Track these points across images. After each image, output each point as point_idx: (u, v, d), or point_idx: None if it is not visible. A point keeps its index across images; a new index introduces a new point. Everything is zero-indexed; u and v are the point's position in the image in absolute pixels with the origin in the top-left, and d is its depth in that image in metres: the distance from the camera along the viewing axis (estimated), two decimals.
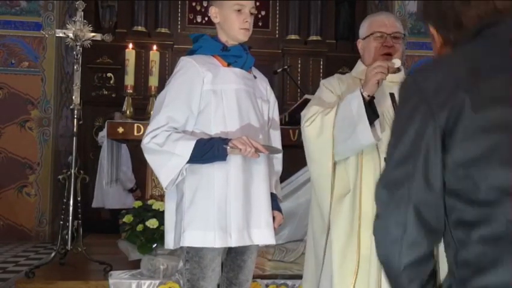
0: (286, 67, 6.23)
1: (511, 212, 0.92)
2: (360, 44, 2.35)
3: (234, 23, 2.10)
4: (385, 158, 1.10)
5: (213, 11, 2.15)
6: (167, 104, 2.04)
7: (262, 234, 2.06)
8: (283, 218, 2.24)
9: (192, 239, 1.99)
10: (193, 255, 2.03)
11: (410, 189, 1.00)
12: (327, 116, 2.12)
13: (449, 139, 0.97)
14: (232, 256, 2.16)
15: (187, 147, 1.97)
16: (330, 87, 2.30)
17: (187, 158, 1.97)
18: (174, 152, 1.98)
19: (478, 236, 0.96)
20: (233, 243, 2.00)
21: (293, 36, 7.84)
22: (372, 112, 2.06)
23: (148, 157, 2.06)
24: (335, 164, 2.13)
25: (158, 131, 2.00)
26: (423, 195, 1.00)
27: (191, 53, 2.17)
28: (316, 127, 2.13)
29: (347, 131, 2.07)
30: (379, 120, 2.09)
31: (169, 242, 2.09)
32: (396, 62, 2.12)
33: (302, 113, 2.23)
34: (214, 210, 1.99)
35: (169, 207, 2.12)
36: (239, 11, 2.10)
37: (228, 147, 1.96)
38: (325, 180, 2.15)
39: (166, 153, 1.99)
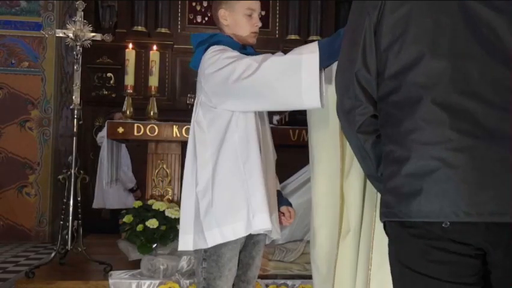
0: None
1: (414, 78, 1.29)
2: None
3: (245, 27, 2.11)
4: None
5: (222, 14, 2.13)
6: (236, 55, 1.96)
7: (273, 228, 2.07)
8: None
9: (223, 234, 1.96)
10: (211, 253, 2.01)
11: (353, 70, 1.41)
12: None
13: (378, 33, 1.37)
14: (242, 254, 2.14)
15: (310, 46, 1.81)
16: None
17: (317, 51, 1.77)
18: (302, 53, 1.79)
19: (389, 101, 1.36)
20: (254, 228, 1.97)
21: (293, 36, 7.85)
22: None
23: (270, 80, 1.81)
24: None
25: (258, 57, 1.88)
26: (363, 74, 1.40)
27: (215, 43, 2.10)
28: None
29: None
30: None
31: (188, 243, 2.03)
32: None
33: None
34: (241, 199, 1.96)
35: (187, 207, 2.05)
36: (250, 15, 2.11)
37: None
38: (333, 140, 1.95)
39: (292, 60, 1.80)
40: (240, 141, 1.98)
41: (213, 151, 2.00)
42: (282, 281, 3.34)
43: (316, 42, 1.82)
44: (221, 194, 1.98)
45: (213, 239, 1.97)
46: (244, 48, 2.12)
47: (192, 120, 2.09)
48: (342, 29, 1.78)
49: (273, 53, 1.91)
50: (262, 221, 1.94)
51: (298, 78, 1.78)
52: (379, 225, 1.87)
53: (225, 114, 1.99)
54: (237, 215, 1.96)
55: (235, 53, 1.98)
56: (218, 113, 2.00)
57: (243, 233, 1.97)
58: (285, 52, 1.89)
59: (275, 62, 1.83)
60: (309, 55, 1.78)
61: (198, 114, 2.07)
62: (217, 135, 2.00)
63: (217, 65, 1.95)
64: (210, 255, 2.02)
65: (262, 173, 1.96)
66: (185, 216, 2.05)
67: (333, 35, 1.84)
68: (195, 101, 2.13)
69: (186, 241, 2.04)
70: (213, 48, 2.03)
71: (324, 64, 1.80)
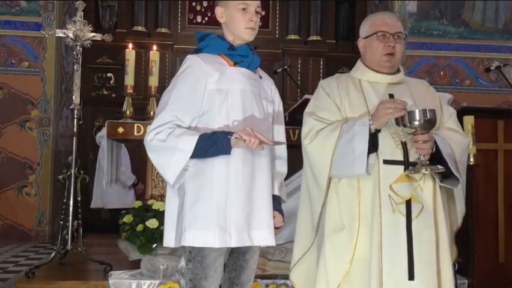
0: (286, 67, 6.24)
1: None
2: (361, 42, 2.33)
3: (239, 22, 2.10)
4: None
5: (219, 11, 2.15)
6: (172, 102, 2.03)
7: (263, 236, 2.06)
8: (284, 220, 2.22)
9: (192, 238, 1.99)
10: (196, 254, 2.03)
11: None
12: (329, 139, 2.16)
13: None
14: (235, 256, 2.15)
15: (190, 142, 1.96)
16: (328, 89, 2.29)
17: (190, 152, 1.96)
18: (177, 147, 1.97)
19: None
20: (233, 243, 2.00)
21: (293, 36, 7.84)
22: (372, 144, 2.09)
23: (151, 155, 2.04)
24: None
25: (162, 128, 2.00)
26: None
27: (197, 51, 2.16)
28: (316, 146, 2.20)
29: (345, 162, 2.13)
30: (376, 154, 2.12)
31: (170, 241, 2.08)
32: (409, 102, 2.14)
33: (303, 126, 2.28)
34: (214, 210, 1.99)
35: (170, 206, 2.10)
36: (244, 10, 2.09)
37: (233, 138, 1.95)
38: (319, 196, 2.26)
39: (168, 148, 1.98)
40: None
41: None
42: (282, 281, 3.34)
43: (197, 137, 1.97)
44: (194, 198, 2.03)
45: (188, 240, 2.00)
46: (233, 49, 2.12)
47: None
48: (221, 134, 1.96)
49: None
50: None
51: (164, 163, 2.02)
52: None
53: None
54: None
55: (180, 92, 2.05)
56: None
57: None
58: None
59: (155, 145, 2.01)
60: (180, 154, 1.98)
61: None
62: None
63: (167, 90, 2.08)
64: (194, 256, 2.03)
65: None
66: (169, 215, 2.11)
67: (213, 137, 1.97)
68: None
69: (168, 239, 2.09)
70: (185, 62, 2.11)
71: (193, 158, 1.98)
